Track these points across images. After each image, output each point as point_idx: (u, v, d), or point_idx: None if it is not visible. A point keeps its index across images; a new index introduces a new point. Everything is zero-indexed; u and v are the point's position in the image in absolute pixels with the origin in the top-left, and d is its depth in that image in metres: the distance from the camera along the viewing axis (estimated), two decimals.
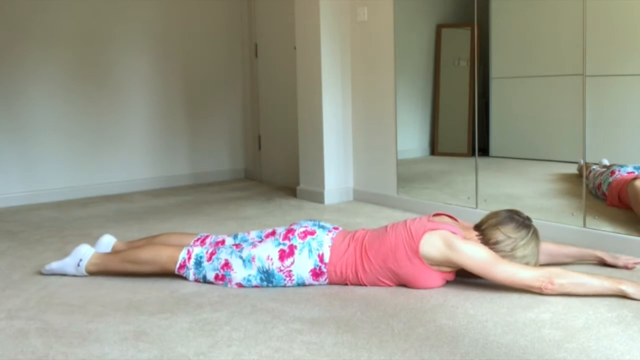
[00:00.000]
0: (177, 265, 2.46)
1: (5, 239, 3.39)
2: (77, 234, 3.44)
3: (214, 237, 2.71)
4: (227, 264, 2.42)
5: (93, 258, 2.58)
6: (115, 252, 2.67)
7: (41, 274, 2.65)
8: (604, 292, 2.19)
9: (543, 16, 3.45)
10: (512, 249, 2.31)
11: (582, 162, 3.26)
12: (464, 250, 2.24)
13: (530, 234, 2.34)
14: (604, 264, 2.59)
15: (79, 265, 2.57)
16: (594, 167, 3.17)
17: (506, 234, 2.33)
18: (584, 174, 3.09)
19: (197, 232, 3.38)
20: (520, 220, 2.37)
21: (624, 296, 2.17)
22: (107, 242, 2.80)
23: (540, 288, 2.18)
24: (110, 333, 2.00)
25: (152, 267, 2.49)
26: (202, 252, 2.47)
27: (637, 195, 2.96)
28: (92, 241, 3.23)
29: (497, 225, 2.36)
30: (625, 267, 2.55)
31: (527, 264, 2.33)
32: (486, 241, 2.34)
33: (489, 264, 2.22)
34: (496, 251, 2.30)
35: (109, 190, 4.82)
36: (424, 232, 2.30)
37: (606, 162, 3.18)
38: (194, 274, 2.46)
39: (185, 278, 2.50)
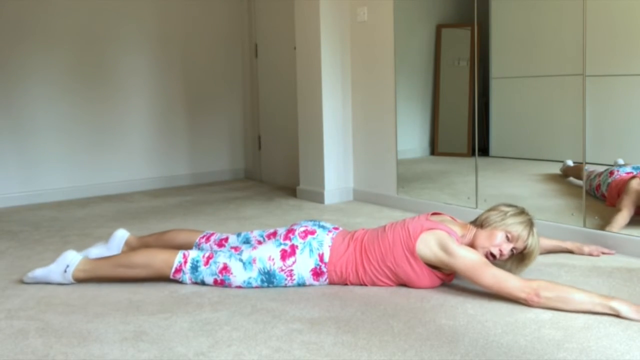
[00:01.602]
0: (173, 270, 2.41)
1: (5, 239, 3.39)
2: (77, 234, 3.44)
3: (218, 234, 2.74)
4: (225, 268, 2.39)
5: (81, 264, 2.46)
6: (105, 257, 2.53)
7: (23, 282, 2.53)
8: (594, 309, 2.05)
9: (543, 16, 3.45)
10: (502, 219, 2.35)
11: (568, 162, 3.30)
12: (456, 253, 2.24)
13: (520, 212, 2.39)
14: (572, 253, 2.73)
15: (65, 272, 2.44)
16: (586, 167, 3.19)
17: (497, 209, 2.41)
18: (584, 174, 3.09)
19: None
20: (513, 205, 2.45)
21: (616, 315, 2.02)
22: (121, 236, 2.82)
23: (525, 299, 2.13)
24: (110, 333, 2.00)
25: (146, 272, 2.41)
26: (198, 257, 2.43)
27: (629, 192, 2.97)
28: (92, 241, 3.24)
29: (490, 209, 2.46)
30: (590, 255, 2.67)
31: (519, 234, 2.33)
32: (480, 223, 2.39)
33: (479, 267, 2.19)
34: (488, 224, 2.36)
35: (109, 190, 4.82)
36: (421, 232, 2.31)
37: (621, 161, 3.17)
38: (190, 279, 2.42)
39: (180, 283, 2.46)
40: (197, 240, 2.73)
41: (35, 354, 1.86)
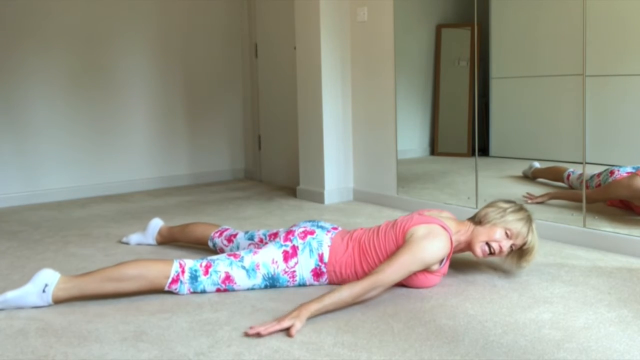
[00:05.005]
0: (170, 280, 2.28)
1: (5, 239, 3.39)
2: (77, 234, 3.44)
3: (231, 230, 2.83)
4: (228, 278, 2.33)
5: (61, 282, 2.21)
6: (89, 273, 2.29)
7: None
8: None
9: (543, 16, 3.45)
10: (502, 216, 2.37)
11: (535, 164, 3.38)
12: (422, 241, 2.22)
13: (519, 208, 2.40)
14: None
15: (44, 291, 2.19)
16: (570, 169, 3.22)
17: (496, 206, 2.42)
18: (584, 176, 3.09)
19: None
20: (512, 201, 2.46)
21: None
22: (155, 224, 3.09)
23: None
24: (110, 333, 2.00)
25: (139, 284, 2.24)
26: (196, 266, 2.32)
27: (621, 182, 2.99)
28: (92, 241, 3.24)
29: (488, 205, 2.46)
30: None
31: (519, 231, 2.34)
32: (478, 220, 2.41)
33: (410, 260, 2.20)
34: (487, 221, 2.38)
35: (109, 190, 4.82)
36: (409, 227, 2.30)
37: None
38: (189, 289, 2.31)
39: (175, 293, 2.33)
40: (211, 234, 2.85)
41: (35, 354, 1.86)
